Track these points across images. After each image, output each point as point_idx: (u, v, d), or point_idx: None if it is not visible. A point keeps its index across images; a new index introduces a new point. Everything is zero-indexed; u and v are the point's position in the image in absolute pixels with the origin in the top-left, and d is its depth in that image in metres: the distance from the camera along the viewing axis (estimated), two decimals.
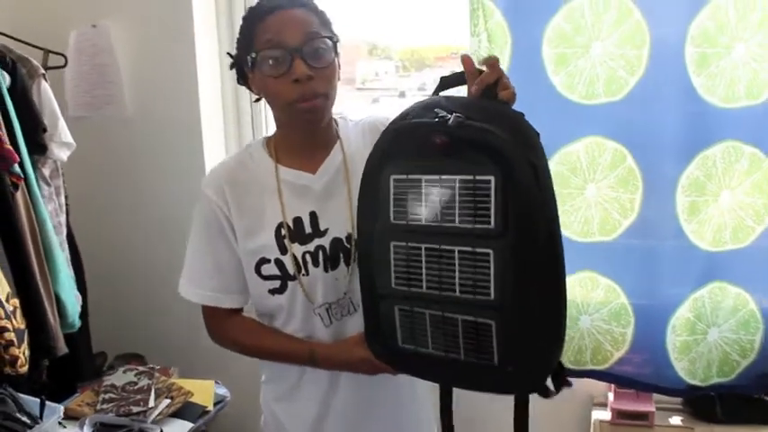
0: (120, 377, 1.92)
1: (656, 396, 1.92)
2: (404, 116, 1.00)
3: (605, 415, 1.94)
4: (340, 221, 1.18)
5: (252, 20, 1.14)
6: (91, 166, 2.30)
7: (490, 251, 0.90)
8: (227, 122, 2.33)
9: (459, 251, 0.92)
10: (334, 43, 1.14)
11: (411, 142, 0.95)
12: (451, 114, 0.91)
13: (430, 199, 0.94)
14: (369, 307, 1.06)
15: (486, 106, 0.96)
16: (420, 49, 2.57)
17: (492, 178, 0.89)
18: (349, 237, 1.18)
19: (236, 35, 1.18)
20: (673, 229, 1.72)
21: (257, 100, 1.21)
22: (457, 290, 0.94)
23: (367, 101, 2.67)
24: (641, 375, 1.86)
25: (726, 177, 1.69)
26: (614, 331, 1.84)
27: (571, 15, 1.67)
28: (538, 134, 0.95)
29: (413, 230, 0.96)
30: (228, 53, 1.23)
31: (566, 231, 1.79)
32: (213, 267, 1.22)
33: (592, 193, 1.77)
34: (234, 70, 1.22)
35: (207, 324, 1.28)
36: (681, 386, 1.82)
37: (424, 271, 0.96)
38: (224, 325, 1.26)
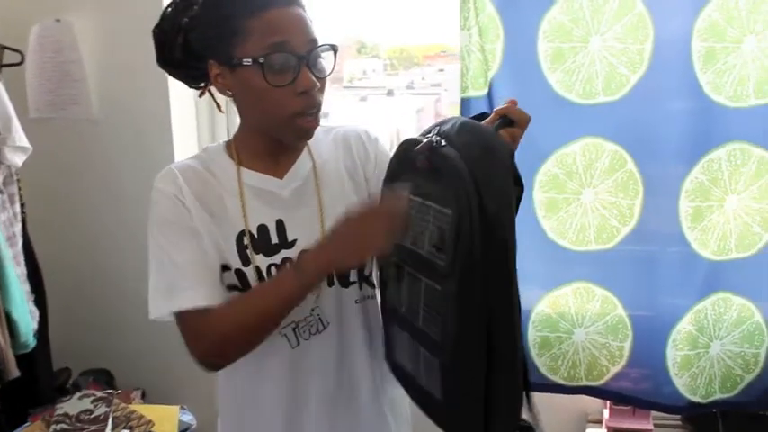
0: (74, 404, 1.75)
1: (654, 413, 1.82)
2: (422, 132, 0.98)
3: None
4: (310, 233, 1.06)
5: (239, 9, 0.98)
6: (54, 171, 2.18)
7: (439, 288, 0.89)
8: (199, 123, 2.21)
9: (425, 282, 0.92)
10: (335, 51, 1.03)
11: (407, 160, 0.95)
12: (441, 136, 0.90)
13: (416, 222, 0.94)
14: (382, 317, 1.10)
15: (477, 133, 0.91)
16: (408, 47, 2.54)
17: (450, 212, 0.86)
18: None
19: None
20: (675, 236, 1.62)
21: (202, 94, 1.11)
22: (420, 321, 0.93)
23: (355, 99, 2.62)
24: (639, 391, 1.76)
25: (732, 181, 1.59)
26: (611, 345, 1.74)
27: (569, 7, 1.57)
28: (518, 179, 0.90)
29: (403, 250, 0.97)
30: (155, 31, 1.09)
31: (560, 239, 1.69)
32: (184, 264, 1.01)
33: (589, 198, 1.66)
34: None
35: (188, 337, 1.02)
36: (681, 403, 1.72)
37: (403, 293, 0.97)
38: (208, 325, 1.00)
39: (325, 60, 1.02)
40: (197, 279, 1.01)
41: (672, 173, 1.60)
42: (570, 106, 1.61)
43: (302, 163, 1.10)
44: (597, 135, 1.62)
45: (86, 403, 1.73)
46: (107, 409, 1.72)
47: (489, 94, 1.66)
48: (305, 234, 1.06)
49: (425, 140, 0.91)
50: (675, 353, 1.68)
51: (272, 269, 1.04)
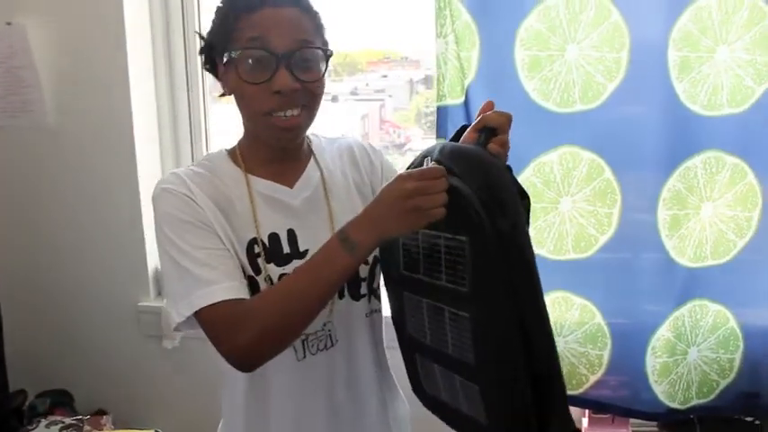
0: None
1: (632, 420, 1.82)
2: (408, 167, 0.97)
3: None
4: (321, 243, 1.00)
5: (235, 8, 0.98)
6: (6, 183, 2.06)
7: (467, 315, 0.88)
8: (162, 133, 2.12)
9: (449, 311, 0.91)
10: (327, 56, 1.01)
11: None
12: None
13: (426, 255, 0.93)
14: (402, 351, 1.08)
15: (471, 156, 0.90)
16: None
17: (466, 239, 0.86)
18: None
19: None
20: (653, 244, 1.63)
21: (222, 95, 1.05)
22: (449, 348, 0.93)
23: None
24: (618, 399, 1.76)
25: (707, 189, 1.60)
26: (590, 354, 1.73)
27: (546, 15, 1.55)
28: (522, 192, 0.90)
29: (416, 283, 0.96)
30: (198, 33, 1.05)
31: (538, 249, 1.67)
32: (207, 259, 0.95)
33: (567, 207, 1.65)
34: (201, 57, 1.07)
35: (222, 333, 0.94)
36: (660, 410, 1.73)
37: (426, 324, 0.95)
38: (243, 316, 0.93)
39: (317, 65, 0.99)
40: (225, 272, 0.95)
41: (649, 181, 1.60)
42: (547, 114, 1.60)
43: (311, 173, 1.08)
44: (575, 143, 1.62)
45: (54, 431, 1.63)
46: None
47: (466, 103, 1.64)
48: (316, 244, 1.00)
49: None
50: (655, 360, 1.69)
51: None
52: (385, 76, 2.44)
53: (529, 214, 0.93)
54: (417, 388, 1.07)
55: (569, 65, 1.58)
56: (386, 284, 1.06)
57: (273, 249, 1.02)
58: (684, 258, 1.64)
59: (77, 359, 2.17)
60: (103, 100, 1.98)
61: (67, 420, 1.69)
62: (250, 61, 0.96)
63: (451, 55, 1.61)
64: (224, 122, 2.24)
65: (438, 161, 0.91)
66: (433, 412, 1.07)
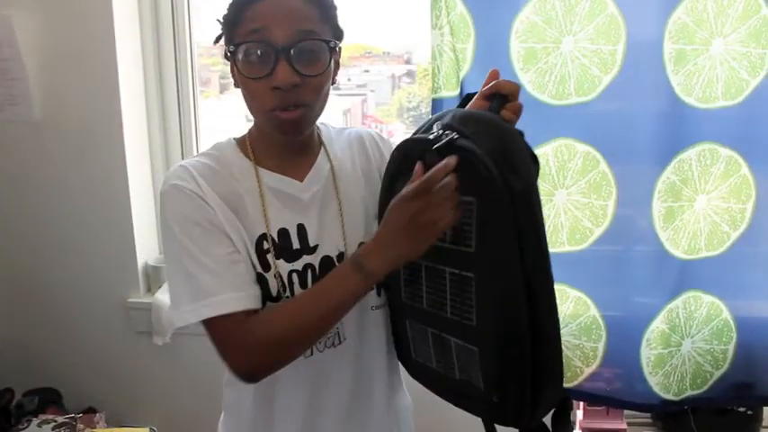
0: None
1: (626, 411, 1.82)
2: (415, 131, 0.97)
3: None
4: (331, 238, 1.03)
5: (238, 1, 0.95)
6: None
7: (472, 275, 0.88)
8: (151, 126, 2.09)
9: (450, 272, 0.91)
10: (331, 47, 0.96)
11: (411, 158, 0.92)
12: (447, 130, 0.89)
13: None
14: (392, 319, 1.08)
15: (484, 120, 0.91)
16: None
17: (474, 200, 0.86)
18: (341, 255, 1.03)
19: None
20: (648, 237, 1.63)
21: (237, 85, 1.02)
22: (448, 311, 0.92)
23: None
24: (612, 391, 1.76)
25: (702, 181, 1.61)
26: (585, 346, 1.73)
27: (541, 7, 1.54)
28: (534, 156, 0.91)
29: None
30: (219, 20, 1.01)
31: None
32: (216, 267, 0.94)
33: (561, 199, 1.65)
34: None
35: (227, 346, 0.94)
36: (655, 401, 1.74)
37: (424, 288, 0.95)
38: (250, 331, 0.93)
39: (321, 57, 0.95)
40: (232, 282, 0.94)
41: (644, 173, 1.60)
42: (543, 107, 1.59)
43: (321, 165, 1.06)
44: (570, 136, 1.61)
45: (47, 430, 1.61)
46: None
47: (461, 95, 1.63)
48: (326, 239, 1.02)
49: (432, 136, 0.89)
50: (649, 352, 1.69)
51: (294, 276, 0.99)
52: (367, 71, 2.43)
53: (536, 179, 0.92)
54: (404, 356, 1.07)
55: (565, 57, 1.57)
56: None
57: (283, 245, 1.00)
58: (679, 250, 1.64)
59: (66, 356, 2.14)
60: (92, 93, 1.95)
61: (60, 419, 1.66)
62: (250, 55, 0.93)
63: (446, 47, 1.60)
64: (213, 116, 2.22)
65: (449, 125, 0.90)
66: (419, 380, 1.06)
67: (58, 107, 1.98)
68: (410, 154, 0.94)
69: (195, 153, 2.12)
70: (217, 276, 0.93)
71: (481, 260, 0.86)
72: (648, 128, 1.58)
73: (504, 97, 0.95)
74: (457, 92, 1.63)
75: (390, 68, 2.39)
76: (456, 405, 1.03)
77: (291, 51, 0.91)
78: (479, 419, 1.06)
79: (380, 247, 0.89)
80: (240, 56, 0.93)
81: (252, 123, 1.07)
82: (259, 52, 0.92)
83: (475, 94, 1.02)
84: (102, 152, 1.98)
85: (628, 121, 1.59)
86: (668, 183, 1.60)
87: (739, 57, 1.52)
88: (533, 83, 1.59)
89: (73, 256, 2.07)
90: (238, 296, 0.94)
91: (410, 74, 2.40)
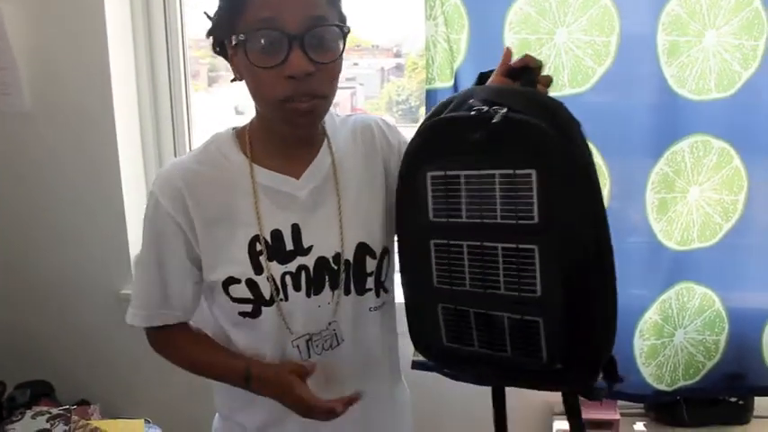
0: (27, 425, 1.58)
1: (619, 402, 1.83)
2: (438, 111, 0.94)
3: (567, 425, 1.83)
4: (327, 238, 1.00)
5: None
6: None
7: (534, 247, 0.87)
8: (142, 116, 2.07)
9: (503, 248, 0.89)
10: (344, 33, 0.93)
11: (447, 138, 0.90)
12: (488, 106, 0.87)
13: (470, 195, 0.90)
14: (411, 307, 1.03)
15: (524, 93, 0.91)
16: None
17: (533, 172, 0.85)
18: (337, 257, 1.00)
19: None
20: (641, 228, 1.64)
21: (234, 80, 0.98)
22: (501, 287, 0.91)
23: None
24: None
25: (694, 173, 1.61)
26: None
27: None
28: (579, 123, 0.89)
29: (453, 228, 0.93)
30: (206, 14, 0.98)
31: None
32: (160, 282, 1.03)
33: None
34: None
35: (152, 343, 1.13)
36: (647, 392, 1.75)
37: (466, 269, 0.93)
38: (163, 341, 1.11)
39: (334, 44, 0.91)
40: (163, 297, 1.04)
41: (637, 165, 1.61)
42: None
43: (322, 159, 1.02)
44: None
45: (41, 422, 1.59)
46: (66, 428, 1.57)
47: (455, 86, 1.63)
48: (322, 239, 0.99)
49: (475, 113, 0.87)
50: (642, 343, 1.70)
51: (287, 278, 0.97)
52: (356, 64, 2.42)
53: None
54: (427, 344, 1.03)
55: (558, 48, 1.57)
56: (401, 242, 1.01)
57: (276, 247, 0.98)
58: (672, 241, 1.65)
59: (58, 348, 2.13)
60: (82, 83, 1.93)
61: (54, 411, 1.65)
62: (261, 43, 0.88)
63: (441, 38, 1.60)
64: (203, 108, 2.21)
65: (489, 101, 0.88)
66: (447, 366, 1.08)
67: (48, 97, 1.96)
68: (444, 132, 0.91)
69: (187, 144, 2.12)
70: (154, 286, 1.03)
71: (549, 229, 0.85)
72: (642, 119, 1.59)
73: (532, 71, 0.95)
74: (451, 83, 1.62)
75: (379, 62, 2.38)
76: (498, 384, 1.05)
77: (304, 38, 0.88)
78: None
79: (266, 382, 0.99)
80: (249, 45, 0.89)
81: (250, 116, 1.04)
82: (271, 40, 0.88)
83: (488, 72, 1.01)
84: (93, 142, 1.96)
85: (621, 112, 1.60)
86: (661, 174, 1.61)
87: (732, 49, 1.53)
88: None
89: (64, 247, 2.05)
90: (162, 313, 1.05)
91: (399, 67, 2.39)
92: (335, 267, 1.00)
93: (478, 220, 0.90)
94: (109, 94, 1.92)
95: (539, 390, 0.99)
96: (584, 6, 1.54)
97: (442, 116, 0.93)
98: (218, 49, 0.99)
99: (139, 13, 2.00)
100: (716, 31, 1.53)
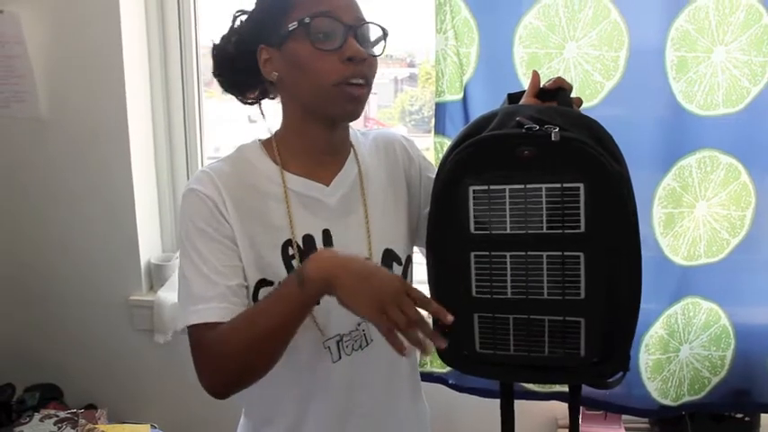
0: (36, 428, 1.61)
1: (624, 416, 1.83)
2: (479, 127, 0.98)
3: None
4: (357, 244, 1.02)
5: None
6: None
7: (581, 254, 0.93)
8: (156, 124, 2.10)
9: (548, 255, 0.95)
10: (386, 36, 1.01)
11: (493, 153, 0.94)
12: (538, 125, 0.92)
13: (514, 208, 0.95)
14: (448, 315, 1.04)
15: (565, 112, 0.97)
16: None
17: (581, 185, 0.91)
18: None
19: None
20: (648, 242, 1.63)
21: (271, 84, 1.02)
22: (545, 292, 0.96)
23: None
24: (611, 396, 1.76)
25: (702, 188, 1.62)
26: None
27: (545, 13, 1.56)
28: (613, 138, 0.96)
29: (496, 240, 0.97)
30: (240, 13, 1.04)
31: None
32: (210, 275, 0.95)
33: None
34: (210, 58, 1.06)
35: (195, 357, 0.96)
36: (652, 406, 1.74)
37: (509, 278, 0.97)
38: (205, 351, 0.95)
39: (380, 43, 1.00)
40: (221, 292, 0.94)
41: (645, 179, 1.61)
42: None
43: (349, 168, 1.06)
44: None
45: (49, 425, 1.61)
46: (73, 431, 1.59)
47: (465, 99, 1.64)
48: (351, 245, 1.02)
49: (527, 130, 0.91)
50: (648, 357, 1.70)
51: None
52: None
53: None
54: (456, 353, 1.03)
55: (567, 63, 1.58)
56: (434, 256, 1.01)
57: (308, 251, 0.99)
58: (678, 256, 1.65)
59: (67, 353, 2.15)
60: (97, 90, 1.96)
61: (62, 414, 1.67)
62: (321, 34, 0.94)
63: (451, 51, 1.61)
64: (216, 116, 2.23)
65: (536, 118, 0.92)
66: (476, 373, 1.07)
67: (63, 105, 2.00)
68: (493, 148, 0.95)
69: (199, 150, 2.15)
70: (207, 283, 0.94)
71: (595, 239, 0.92)
72: (650, 134, 1.59)
73: (567, 92, 1.01)
74: (460, 96, 1.64)
75: (393, 71, 2.40)
76: (525, 381, 1.16)
77: (357, 30, 0.96)
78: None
79: (328, 261, 0.88)
80: (310, 31, 0.94)
81: (262, 126, 1.07)
82: (329, 29, 0.94)
83: (517, 93, 1.07)
84: (106, 150, 1.99)
85: (629, 127, 1.58)
86: (668, 189, 1.61)
87: (740, 65, 1.54)
88: None
89: (76, 254, 2.08)
90: (225, 306, 0.94)
91: (412, 77, 2.41)
92: None
93: (523, 231, 0.95)
94: (123, 101, 1.95)
95: (563, 383, 1.08)
96: (593, 21, 1.55)
97: (492, 133, 0.96)
98: (241, 65, 1.02)
99: (154, 21, 2.03)
100: (724, 47, 1.54)
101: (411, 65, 2.41)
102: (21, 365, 2.13)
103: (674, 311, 1.68)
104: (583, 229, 0.92)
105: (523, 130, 0.91)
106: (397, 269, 1.06)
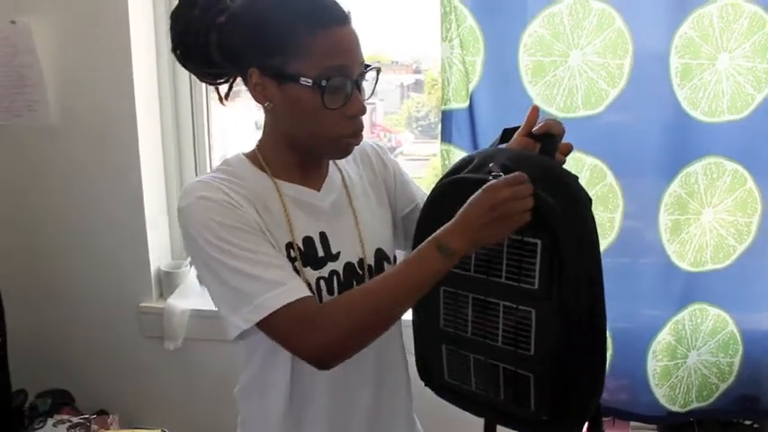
0: None
1: (632, 423, 1.83)
2: (459, 168, 1.02)
3: None
4: (351, 245, 1.06)
5: (298, 24, 0.93)
6: (7, 182, 2.06)
7: (532, 310, 0.93)
8: (164, 132, 2.12)
9: (504, 305, 0.96)
10: (378, 73, 1.03)
11: (465, 196, 0.93)
12: (505, 173, 0.92)
13: (480, 252, 0.97)
14: (419, 340, 1.11)
15: (542, 163, 0.96)
16: None
17: (538, 242, 0.91)
18: (361, 262, 1.06)
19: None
20: (654, 249, 1.65)
21: (266, 105, 0.99)
22: (499, 340, 0.98)
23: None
24: (618, 402, 1.77)
25: (708, 195, 1.62)
26: None
27: (550, 21, 1.57)
28: (590, 200, 0.95)
29: (462, 279, 0.99)
30: (175, 17, 1.05)
31: None
32: (274, 260, 0.95)
33: None
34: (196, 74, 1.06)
35: (298, 333, 0.93)
36: (660, 413, 1.75)
37: (470, 318, 1.00)
38: (329, 315, 0.93)
39: (368, 81, 1.01)
40: (290, 272, 0.96)
41: (651, 186, 1.62)
42: None
43: (333, 175, 1.09)
44: (577, 149, 1.60)
45: (62, 431, 1.63)
46: None
47: (470, 107, 1.65)
48: (346, 246, 1.05)
49: (492, 179, 0.92)
50: (655, 363, 1.70)
51: (321, 282, 1.01)
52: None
53: None
54: (429, 376, 1.10)
55: (572, 70, 1.59)
56: None
57: (309, 253, 1.02)
58: (685, 263, 1.66)
59: (78, 359, 2.17)
60: (107, 99, 1.98)
61: (74, 419, 1.69)
62: (334, 92, 0.94)
63: (456, 59, 1.62)
64: (222, 122, 2.25)
65: (507, 166, 0.93)
66: (445, 398, 1.11)
67: (74, 113, 2.02)
68: (463, 190, 0.95)
69: (208, 155, 2.17)
70: (274, 268, 0.94)
71: (546, 298, 0.91)
72: (655, 141, 1.60)
73: (554, 138, 0.99)
74: (466, 104, 1.65)
75: (399, 77, 2.41)
76: (490, 421, 1.11)
77: (358, 82, 0.97)
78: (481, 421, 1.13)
79: (464, 228, 0.90)
80: (325, 89, 0.93)
81: (259, 136, 1.06)
82: (342, 86, 0.95)
83: (513, 129, 1.05)
84: (116, 157, 2.01)
85: (634, 134, 1.61)
86: (675, 196, 1.62)
87: (745, 71, 1.54)
88: (541, 96, 1.61)
89: (86, 261, 2.09)
90: (300, 285, 0.95)
91: (419, 83, 2.42)
92: (360, 272, 1.05)
93: (484, 276, 0.97)
94: (132, 109, 1.97)
95: None
96: (598, 29, 1.56)
97: (464, 175, 0.99)
98: (228, 77, 1.04)
99: (163, 29, 2.05)
100: (729, 54, 1.54)
101: (417, 71, 2.42)
102: (32, 371, 2.15)
103: (681, 318, 1.69)
104: (536, 286, 0.92)
105: (490, 178, 0.92)
106: (389, 267, 1.09)
